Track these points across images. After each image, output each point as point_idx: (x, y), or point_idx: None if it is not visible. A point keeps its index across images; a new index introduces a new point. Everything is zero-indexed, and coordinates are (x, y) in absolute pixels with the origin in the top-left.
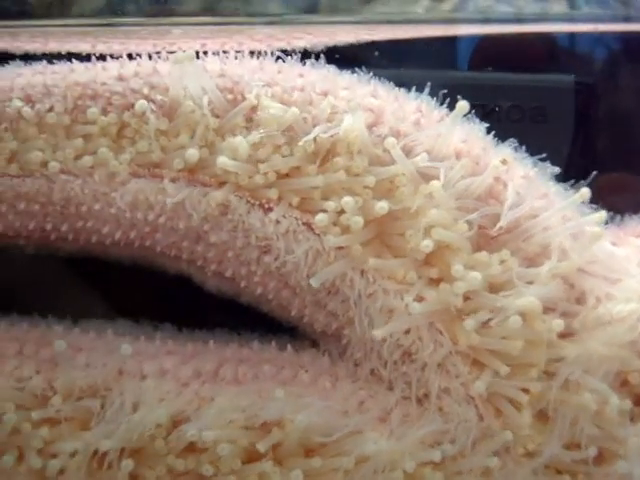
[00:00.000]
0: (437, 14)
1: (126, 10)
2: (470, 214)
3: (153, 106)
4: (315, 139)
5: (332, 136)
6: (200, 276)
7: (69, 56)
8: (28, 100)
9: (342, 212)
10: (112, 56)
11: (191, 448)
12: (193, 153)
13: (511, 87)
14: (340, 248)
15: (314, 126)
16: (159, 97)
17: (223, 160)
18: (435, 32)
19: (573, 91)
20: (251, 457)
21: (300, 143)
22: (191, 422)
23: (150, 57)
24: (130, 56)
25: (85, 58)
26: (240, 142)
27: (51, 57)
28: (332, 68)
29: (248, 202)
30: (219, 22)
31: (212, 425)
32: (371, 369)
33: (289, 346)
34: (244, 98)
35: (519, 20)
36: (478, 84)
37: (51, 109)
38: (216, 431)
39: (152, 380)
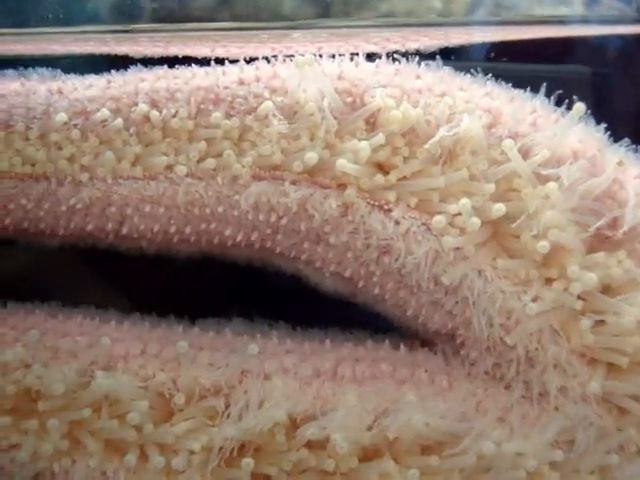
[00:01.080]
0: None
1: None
2: (586, 215)
3: (274, 109)
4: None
5: (453, 137)
6: (317, 277)
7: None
8: (153, 105)
9: (459, 214)
10: (230, 60)
11: (310, 446)
12: (313, 156)
13: None
14: (458, 249)
15: (436, 127)
16: (280, 100)
17: (342, 163)
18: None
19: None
20: (367, 455)
21: (427, 145)
22: (316, 421)
23: (268, 61)
24: (248, 60)
25: (202, 62)
26: (361, 145)
27: (167, 61)
28: (447, 69)
29: (368, 204)
30: (334, 25)
31: (338, 426)
32: (486, 369)
33: (402, 345)
34: (363, 101)
35: None
36: None
37: (175, 114)
38: (342, 433)
39: (276, 379)
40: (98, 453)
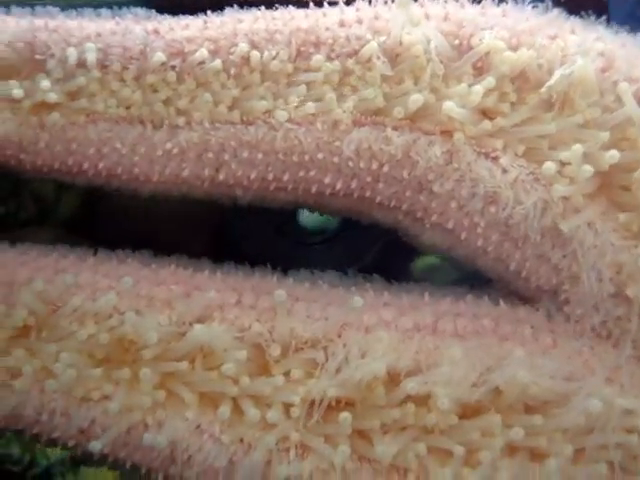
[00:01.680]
0: None
1: None
2: None
3: (378, 51)
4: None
5: (566, 81)
6: (417, 228)
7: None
8: (253, 46)
9: (569, 163)
10: (329, 2)
11: (410, 401)
12: (417, 99)
13: None
14: (567, 199)
15: (548, 71)
16: (382, 42)
17: (450, 106)
18: None
19: None
20: (466, 412)
21: (543, 89)
22: (418, 376)
23: (369, 2)
24: (347, 2)
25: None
26: (469, 89)
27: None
28: (556, 11)
29: (474, 151)
30: None
31: (442, 381)
32: (592, 326)
33: (501, 300)
34: (470, 44)
35: None
36: None
37: (275, 56)
38: (445, 388)
39: (376, 332)
40: (193, 405)
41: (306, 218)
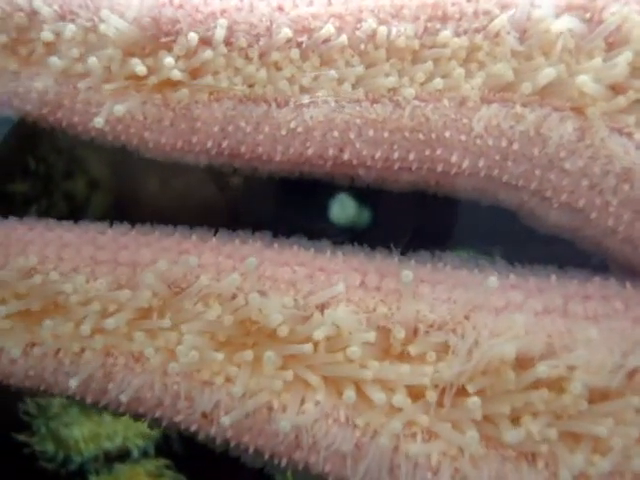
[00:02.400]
0: None
1: None
2: None
3: (508, 26)
4: None
5: None
6: (543, 208)
7: None
8: (379, 22)
9: None
10: None
11: (539, 385)
12: (549, 74)
13: None
14: None
15: None
16: (511, 17)
17: (584, 81)
18: None
19: None
20: (594, 397)
21: None
22: (549, 359)
23: None
24: None
25: None
26: (606, 64)
27: None
28: None
29: (608, 127)
30: None
31: (579, 365)
32: None
33: (628, 282)
34: (602, 17)
35: None
36: None
37: (402, 32)
38: (580, 373)
39: (505, 314)
40: (319, 389)
41: (337, 214)
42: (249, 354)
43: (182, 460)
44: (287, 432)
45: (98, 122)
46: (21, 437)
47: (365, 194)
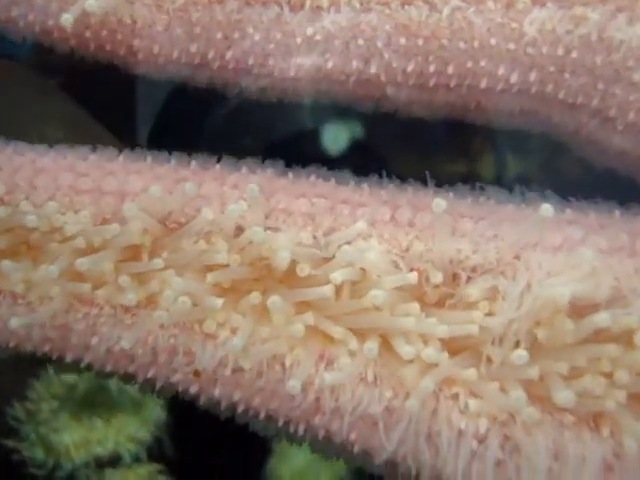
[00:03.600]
0: None
1: None
2: None
3: None
4: None
5: None
6: (605, 132)
7: None
8: None
9: None
10: None
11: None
12: None
13: None
14: None
15: None
16: None
17: None
18: None
19: None
20: None
21: None
22: (618, 306)
23: None
24: None
25: None
26: None
27: None
28: None
29: None
30: None
31: None
32: None
33: None
34: None
35: None
36: None
37: None
38: None
39: (564, 253)
40: (344, 342)
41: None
42: (256, 297)
43: (175, 465)
44: (303, 393)
45: (66, 19)
46: (10, 443)
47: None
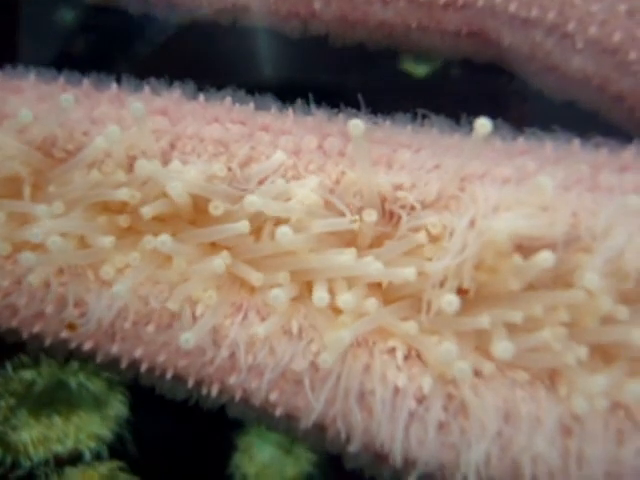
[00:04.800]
0: None
1: None
2: None
3: None
4: None
5: None
6: (563, 52)
7: None
8: None
9: None
10: None
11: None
12: None
13: None
14: None
15: None
16: None
17: None
18: None
19: None
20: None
21: None
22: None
23: None
24: None
25: None
26: None
27: None
28: None
29: None
30: None
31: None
32: None
33: None
34: None
35: None
36: None
37: None
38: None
39: (513, 186)
40: (265, 287)
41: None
42: (149, 242)
43: (136, 462)
44: (215, 348)
45: None
46: None
47: None
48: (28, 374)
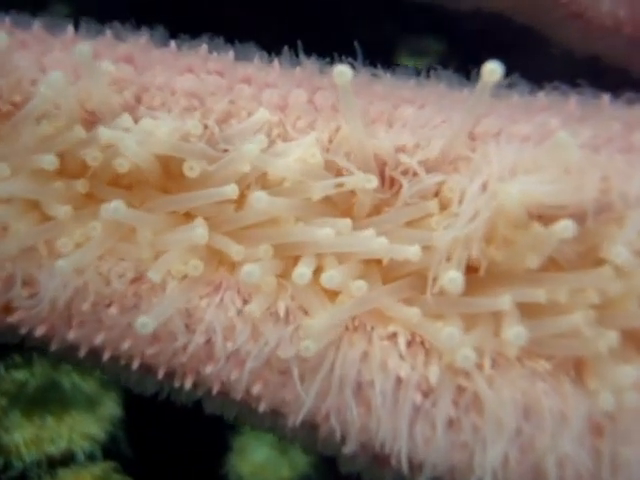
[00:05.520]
0: None
1: None
2: None
3: None
4: None
5: None
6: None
7: None
8: None
9: None
10: None
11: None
12: None
13: None
14: None
15: None
16: None
17: None
18: None
19: None
20: None
21: None
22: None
23: None
24: None
25: None
26: None
27: None
28: None
29: None
30: None
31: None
32: None
33: None
34: None
35: None
36: None
37: None
38: None
39: (532, 145)
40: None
41: None
42: (106, 210)
43: (130, 462)
44: (188, 334)
45: None
46: None
47: None
48: (20, 374)
